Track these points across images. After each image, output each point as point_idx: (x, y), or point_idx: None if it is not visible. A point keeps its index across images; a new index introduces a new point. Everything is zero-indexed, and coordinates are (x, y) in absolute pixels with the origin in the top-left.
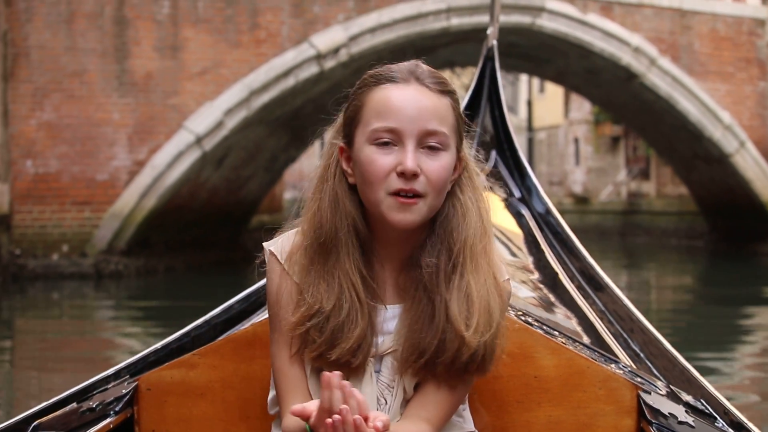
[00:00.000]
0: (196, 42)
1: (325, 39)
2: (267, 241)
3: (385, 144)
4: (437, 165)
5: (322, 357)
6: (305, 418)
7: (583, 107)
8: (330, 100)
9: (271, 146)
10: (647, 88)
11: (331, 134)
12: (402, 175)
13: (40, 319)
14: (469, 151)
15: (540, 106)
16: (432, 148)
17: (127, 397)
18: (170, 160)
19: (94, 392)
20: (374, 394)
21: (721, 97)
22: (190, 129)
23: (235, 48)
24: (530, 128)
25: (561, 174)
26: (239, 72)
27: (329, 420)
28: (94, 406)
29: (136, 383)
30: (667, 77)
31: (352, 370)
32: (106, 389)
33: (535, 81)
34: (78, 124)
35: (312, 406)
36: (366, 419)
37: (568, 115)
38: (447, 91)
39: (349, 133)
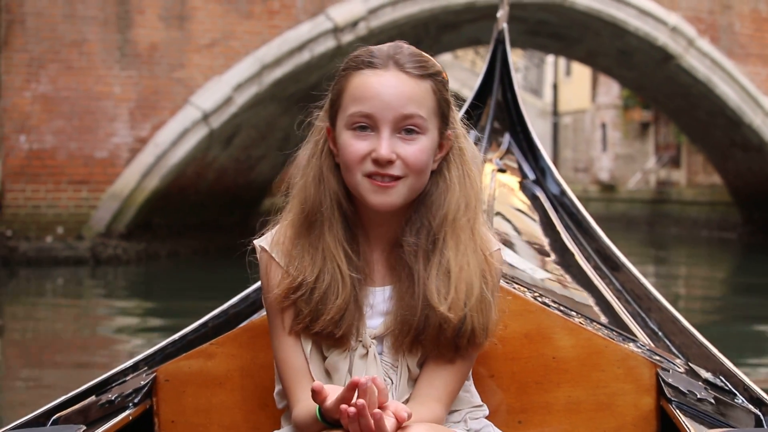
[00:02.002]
0: (204, 12)
1: (343, 11)
2: (258, 237)
3: (362, 129)
4: (414, 149)
5: (308, 329)
6: (322, 398)
7: (611, 91)
8: None
9: (284, 125)
10: (684, 70)
11: (321, 114)
12: (376, 161)
13: (31, 306)
14: (461, 128)
15: (566, 89)
16: (409, 132)
17: (146, 388)
18: (175, 137)
19: (113, 384)
20: (381, 376)
21: (762, 81)
22: (197, 105)
23: (246, 19)
24: (555, 112)
25: (587, 160)
26: (250, 45)
27: (344, 407)
28: (113, 398)
29: (154, 374)
30: (705, 59)
31: (358, 354)
32: (125, 381)
33: (562, 63)
34: (76, 98)
35: (330, 389)
36: (383, 407)
37: (595, 99)
38: (428, 74)
39: (332, 115)
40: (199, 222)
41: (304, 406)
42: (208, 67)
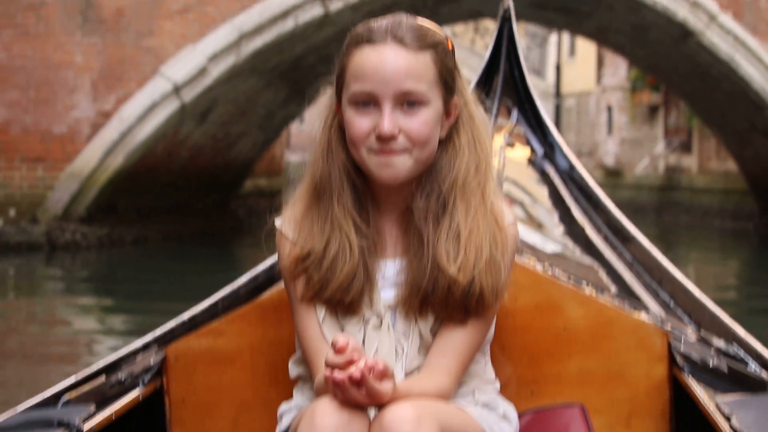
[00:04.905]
0: None
1: None
2: (274, 214)
3: (365, 105)
4: (417, 122)
5: (318, 296)
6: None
7: (617, 73)
8: (337, 49)
9: (266, 101)
10: (705, 48)
11: (331, 88)
12: (379, 137)
13: None
14: (469, 94)
15: (570, 70)
16: (411, 105)
17: (156, 367)
18: (142, 111)
19: (123, 364)
20: (392, 345)
21: None
22: (167, 76)
23: None
24: (558, 94)
25: (591, 144)
26: (228, 11)
27: (327, 373)
28: (122, 378)
29: (164, 353)
30: (728, 37)
31: (372, 325)
32: (135, 361)
33: (565, 43)
34: (32, 67)
35: (354, 346)
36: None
37: (600, 81)
38: (428, 45)
39: (338, 91)
40: (171, 205)
41: (323, 374)
42: (180, 35)
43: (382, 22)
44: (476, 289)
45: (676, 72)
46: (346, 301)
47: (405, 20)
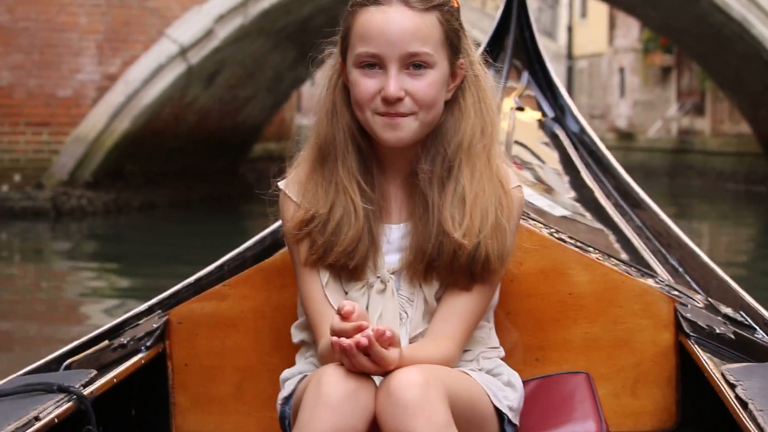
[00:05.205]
0: None
1: None
2: (277, 178)
3: (371, 66)
4: (423, 84)
5: (322, 260)
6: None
7: (630, 34)
8: (344, 10)
9: (274, 63)
10: (717, 8)
11: (335, 49)
12: (385, 100)
13: None
14: (475, 55)
15: (581, 32)
16: (417, 67)
17: (159, 331)
18: (148, 74)
19: (126, 328)
20: (396, 310)
21: None
22: (173, 38)
23: None
24: (570, 56)
25: (603, 107)
26: None
27: (335, 339)
28: (125, 342)
29: (166, 317)
30: None
31: (376, 290)
32: (138, 325)
33: (577, 4)
34: (36, 29)
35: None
36: (360, 329)
37: (612, 42)
38: (433, 6)
39: (343, 51)
40: (179, 169)
41: (329, 339)
42: None
43: None
44: (482, 254)
45: (689, 33)
46: (350, 266)
47: None
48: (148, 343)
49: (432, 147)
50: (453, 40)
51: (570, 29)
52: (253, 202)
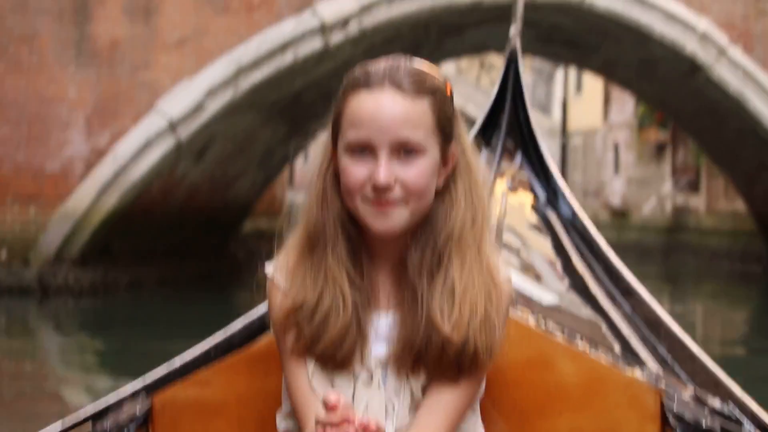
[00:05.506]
0: (173, 4)
1: (332, 7)
2: (266, 258)
3: (361, 152)
4: (414, 172)
5: (309, 350)
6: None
7: (625, 109)
8: (337, 84)
9: (265, 138)
10: (713, 83)
11: (327, 133)
12: (375, 188)
13: None
14: (468, 142)
15: (576, 107)
16: (408, 153)
17: (142, 417)
18: (137, 149)
19: (109, 412)
20: (383, 403)
21: None
22: (163, 111)
23: (221, 14)
24: (564, 132)
25: (597, 184)
26: (225, 44)
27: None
28: (108, 427)
29: (150, 403)
30: (738, 71)
31: (362, 381)
32: (121, 409)
33: (572, 79)
34: (24, 101)
35: (345, 404)
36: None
37: (607, 117)
38: (426, 90)
39: (334, 136)
40: (167, 247)
41: (313, 429)
42: (176, 69)
43: (379, 66)
44: (470, 348)
45: (684, 108)
46: (338, 357)
47: (403, 64)
48: (131, 429)
49: (422, 236)
50: (445, 126)
51: (565, 104)
52: (242, 279)
